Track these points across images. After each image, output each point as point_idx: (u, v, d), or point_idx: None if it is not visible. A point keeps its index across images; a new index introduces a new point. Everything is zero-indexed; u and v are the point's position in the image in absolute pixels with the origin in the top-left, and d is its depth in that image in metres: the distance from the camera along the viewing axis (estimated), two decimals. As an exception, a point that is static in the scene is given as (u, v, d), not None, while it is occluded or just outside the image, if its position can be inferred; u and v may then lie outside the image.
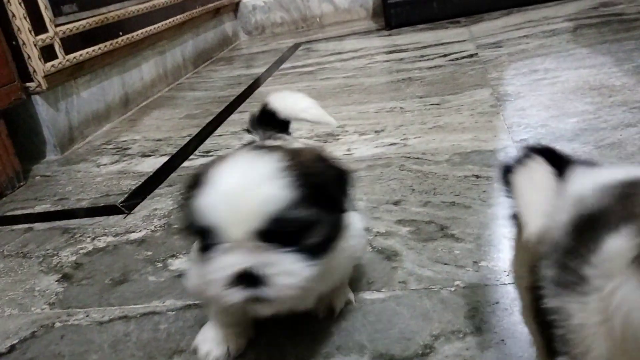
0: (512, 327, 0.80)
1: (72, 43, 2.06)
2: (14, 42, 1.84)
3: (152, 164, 1.75)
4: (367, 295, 0.94)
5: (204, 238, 0.67)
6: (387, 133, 1.64)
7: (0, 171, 1.70)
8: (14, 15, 1.82)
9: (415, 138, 1.57)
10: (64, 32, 2.03)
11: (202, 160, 1.69)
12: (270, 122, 1.00)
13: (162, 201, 1.46)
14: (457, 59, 2.31)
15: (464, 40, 2.59)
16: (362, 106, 1.94)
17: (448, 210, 1.16)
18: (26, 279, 1.20)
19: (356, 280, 0.98)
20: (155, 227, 1.32)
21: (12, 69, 1.82)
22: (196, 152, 1.79)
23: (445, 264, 0.98)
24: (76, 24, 2.10)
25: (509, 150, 1.38)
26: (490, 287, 0.90)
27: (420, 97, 1.91)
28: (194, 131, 2.01)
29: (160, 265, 1.15)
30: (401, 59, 2.49)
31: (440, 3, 3.13)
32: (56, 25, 2.00)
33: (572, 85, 1.74)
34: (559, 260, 0.47)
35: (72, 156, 1.99)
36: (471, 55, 2.31)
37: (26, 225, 1.46)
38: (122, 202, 1.50)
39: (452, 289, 0.91)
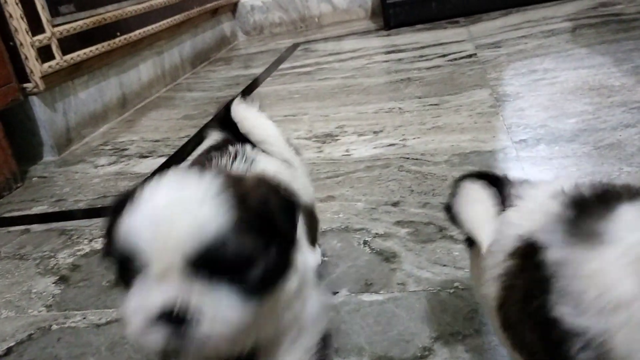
0: (511, 329, 0.80)
1: (69, 43, 2.05)
2: (11, 43, 1.84)
3: (149, 165, 1.74)
4: (366, 297, 0.93)
5: (126, 267, 0.57)
6: (385, 134, 1.64)
7: (-3, 172, 1.70)
8: (11, 15, 1.81)
9: (414, 139, 1.56)
10: (61, 33, 2.02)
11: (200, 161, 1.69)
12: (233, 130, 0.90)
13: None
14: (456, 59, 2.31)
15: (463, 41, 2.59)
16: (360, 107, 1.93)
17: (447, 211, 1.15)
18: (23, 281, 1.19)
19: (355, 281, 0.97)
20: (152, 228, 1.31)
21: (9, 70, 1.82)
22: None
23: (444, 265, 0.98)
24: (73, 25, 2.10)
25: (508, 150, 1.37)
26: (490, 288, 0.89)
27: (419, 98, 1.91)
28: (192, 132, 2.01)
29: (157, 267, 1.15)
30: (400, 59, 2.48)
31: (439, 3, 3.12)
32: (53, 26, 1.99)
33: (571, 85, 1.73)
34: (569, 221, 0.54)
35: (70, 157, 1.98)
36: (470, 56, 2.31)
37: (23, 227, 1.46)
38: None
39: (451, 290, 0.91)
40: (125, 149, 1.95)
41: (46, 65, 1.92)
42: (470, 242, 0.68)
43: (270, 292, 0.61)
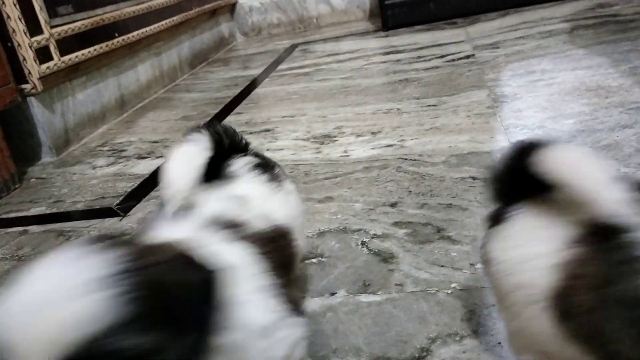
0: (509, 329, 0.80)
1: (67, 44, 2.05)
2: (9, 44, 1.84)
3: (148, 166, 1.74)
4: (364, 298, 0.93)
5: None
6: (384, 134, 1.64)
7: (-5, 173, 1.70)
8: (9, 17, 1.81)
9: (412, 139, 1.56)
10: (60, 34, 2.02)
11: (199, 162, 1.69)
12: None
13: (158, 204, 1.45)
14: (453, 60, 2.31)
15: (461, 42, 2.59)
16: (359, 107, 1.94)
17: (445, 212, 1.15)
18: (21, 282, 1.19)
19: (352, 282, 0.97)
20: (151, 229, 1.32)
21: (7, 71, 1.82)
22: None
23: (442, 266, 0.98)
24: (71, 26, 2.10)
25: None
26: (487, 289, 0.90)
27: (417, 99, 1.91)
28: (190, 133, 2.00)
29: (156, 268, 1.14)
30: (398, 60, 2.49)
31: (437, 4, 3.13)
32: (51, 27, 1.99)
33: (568, 86, 1.74)
34: None
35: (68, 158, 1.98)
36: (468, 57, 2.31)
37: (21, 228, 1.46)
38: (117, 205, 1.49)
39: (449, 291, 0.91)
40: (124, 150, 1.95)
41: (44, 66, 1.92)
42: (496, 220, 0.66)
43: None
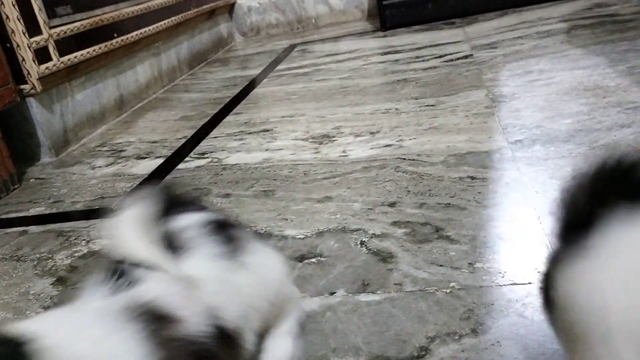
0: (507, 328, 0.80)
1: (66, 45, 2.06)
2: (7, 45, 1.84)
3: (147, 166, 1.75)
4: (363, 298, 0.94)
5: None
6: (382, 134, 1.65)
7: (-5, 174, 1.70)
8: (7, 17, 1.81)
9: (410, 139, 1.57)
10: (58, 34, 2.02)
11: (198, 162, 1.69)
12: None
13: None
14: (452, 60, 2.32)
15: (459, 42, 2.60)
16: (357, 107, 1.94)
17: (443, 211, 1.16)
18: (21, 283, 1.19)
19: (352, 282, 0.98)
20: (150, 229, 1.32)
21: (6, 72, 1.82)
22: (191, 154, 1.78)
23: (441, 265, 0.98)
24: (70, 26, 2.10)
25: (504, 151, 1.38)
26: (486, 288, 0.90)
27: (416, 99, 1.91)
28: (189, 133, 2.01)
29: (155, 268, 1.15)
30: (396, 60, 2.49)
31: (435, 4, 3.13)
32: (50, 27, 1.99)
33: (566, 86, 1.74)
34: None
35: (67, 158, 1.99)
36: (466, 57, 2.32)
37: (21, 228, 1.46)
38: (117, 205, 1.50)
39: (448, 290, 0.92)
40: (123, 150, 1.95)
41: (43, 66, 1.92)
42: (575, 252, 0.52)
43: None
